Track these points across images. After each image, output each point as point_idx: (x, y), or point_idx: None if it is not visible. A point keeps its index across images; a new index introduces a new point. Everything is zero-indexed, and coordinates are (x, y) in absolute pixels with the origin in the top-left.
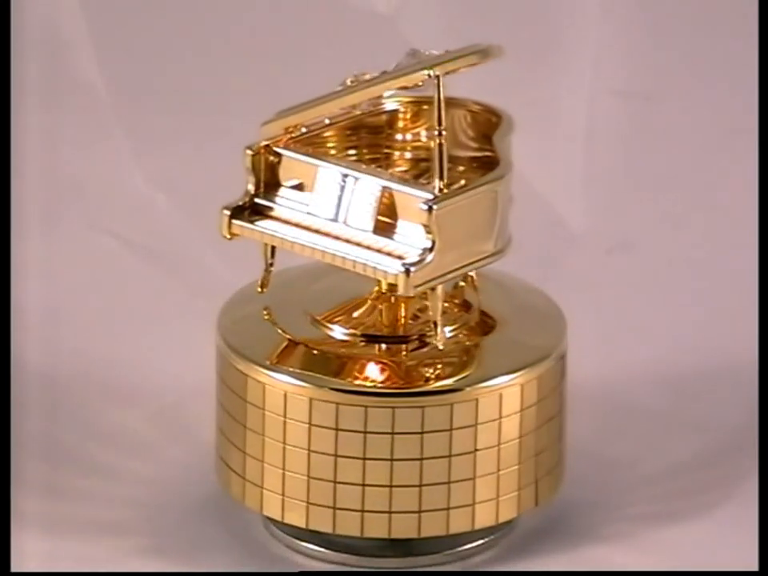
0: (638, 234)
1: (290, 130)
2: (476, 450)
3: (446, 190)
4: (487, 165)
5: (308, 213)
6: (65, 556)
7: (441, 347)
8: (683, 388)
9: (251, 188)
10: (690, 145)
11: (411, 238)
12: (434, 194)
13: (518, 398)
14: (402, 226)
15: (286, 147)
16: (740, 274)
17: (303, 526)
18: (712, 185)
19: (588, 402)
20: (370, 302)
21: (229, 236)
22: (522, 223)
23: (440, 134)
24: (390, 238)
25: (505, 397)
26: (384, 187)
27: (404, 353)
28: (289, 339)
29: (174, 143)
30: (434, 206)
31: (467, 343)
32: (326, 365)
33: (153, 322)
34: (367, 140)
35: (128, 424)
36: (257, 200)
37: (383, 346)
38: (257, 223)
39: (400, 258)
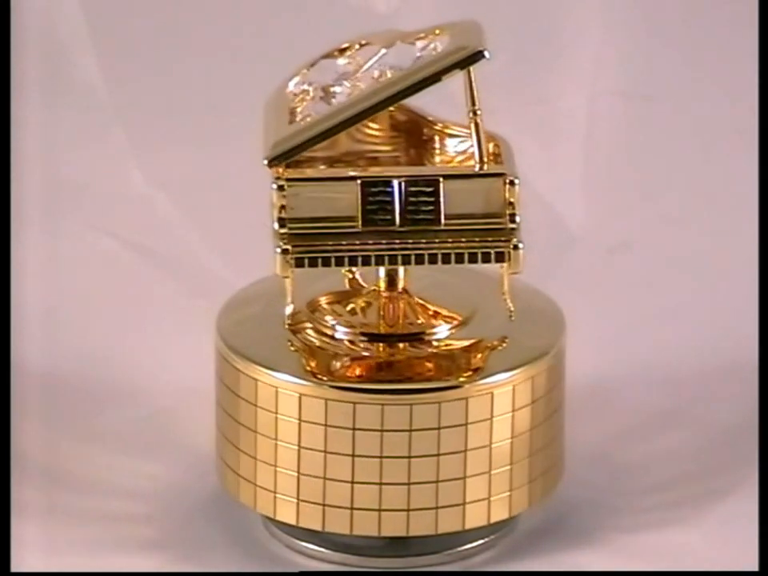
0: (638, 233)
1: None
2: (485, 446)
3: (486, 167)
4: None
5: (358, 229)
6: (64, 556)
7: (513, 319)
8: (683, 388)
9: (281, 223)
10: (690, 145)
11: (471, 220)
12: (503, 170)
13: (520, 396)
14: (457, 212)
15: (306, 176)
16: (740, 273)
17: (294, 522)
18: (712, 185)
19: (588, 402)
20: (369, 300)
21: (288, 274)
22: (523, 223)
23: (475, 114)
24: (458, 226)
25: (503, 395)
26: (435, 181)
27: (403, 351)
28: (289, 339)
29: (174, 143)
30: (516, 180)
31: (466, 341)
32: (326, 364)
33: (152, 322)
34: None
35: (128, 424)
36: (292, 230)
37: (383, 344)
38: (318, 253)
39: (482, 240)
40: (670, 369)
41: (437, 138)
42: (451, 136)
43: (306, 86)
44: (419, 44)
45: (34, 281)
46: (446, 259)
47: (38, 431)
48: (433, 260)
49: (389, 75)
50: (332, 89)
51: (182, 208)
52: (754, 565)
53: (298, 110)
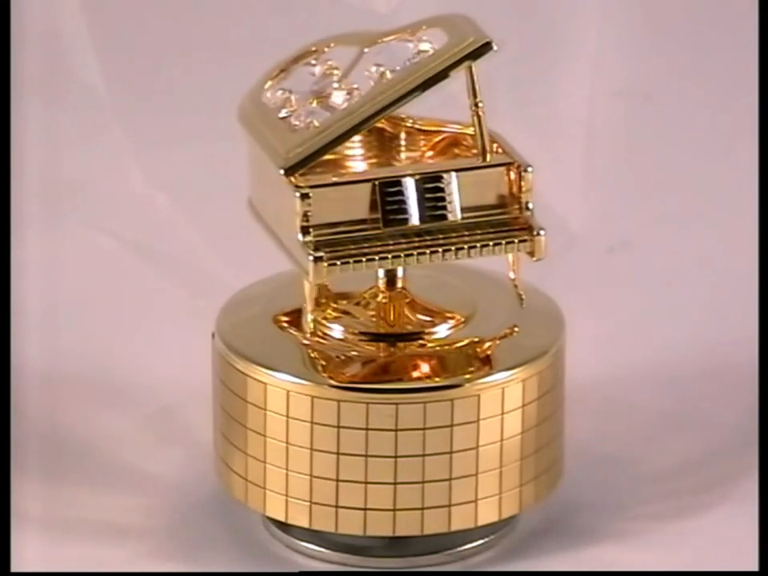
0: (638, 233)
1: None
2: (478, 446)
3: (489, 158)
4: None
5: (380, 230)
6: (65, 556)
7: (523, 307)
8: (683, 388)
9: (305, 231)
10: (690, 145)
11: (487, 211)
12: (512, 159)
13: (520, 395)
14: (472, 204)
15: (327, 181)
16: (740, 273)
17: (307, 526)
18: (712, 185)
19: (588, 402)
20: (368, 300)
21: (323, 282)
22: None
23: (476, 106)
24: (474, 218)
25: (503, 394)
26: (448, 176)
27: (403, 350)
28: (288, 339)
29: (173, 143)
30: (529, 168)
31: (465, 340)
32: (326, 363)
33: (152, 322)
34: None
35: (127, 424)
36: (317, 237)
37: (383, 343)
38: (347, 258)
39: (498, 230)
40: (670, 369)
41: (403, 134)
42: (420, 131)
43: (285, 93)
44: (411, 42)
45: (34, 281)
46: (471, 252)
47: (38, 431)
48: (459, 254)
49: (389, 75)
50: (326, 92)
51: (182, 208)
52: (754, 565)
53: (290, 116)
